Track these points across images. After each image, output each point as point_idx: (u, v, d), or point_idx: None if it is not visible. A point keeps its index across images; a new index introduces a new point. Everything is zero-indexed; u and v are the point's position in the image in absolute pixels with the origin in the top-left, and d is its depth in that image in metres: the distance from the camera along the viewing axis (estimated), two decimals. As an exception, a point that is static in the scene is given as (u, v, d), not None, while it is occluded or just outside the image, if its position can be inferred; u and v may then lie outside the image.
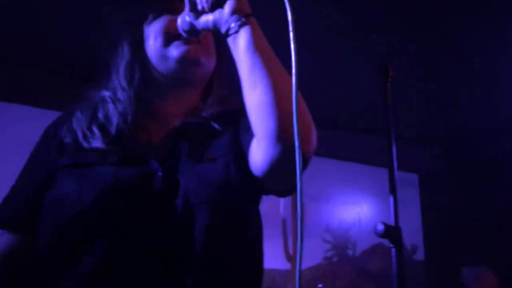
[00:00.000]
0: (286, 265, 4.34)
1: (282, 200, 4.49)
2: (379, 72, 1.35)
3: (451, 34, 3.26)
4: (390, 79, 1.34)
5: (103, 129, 1.10)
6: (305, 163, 0.97)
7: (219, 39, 1.15)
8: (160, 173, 1.03)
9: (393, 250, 1.18)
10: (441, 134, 4.72)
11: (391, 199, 1.26)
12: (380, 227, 1.17)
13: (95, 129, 1.09)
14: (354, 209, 4.78)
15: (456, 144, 4.79)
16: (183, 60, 1.10)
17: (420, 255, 4.84)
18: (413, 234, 4.86)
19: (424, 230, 4.84)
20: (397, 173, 4.83)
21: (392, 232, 1.18)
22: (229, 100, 1.19)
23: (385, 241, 4.38)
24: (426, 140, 4.83)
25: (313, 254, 4.48)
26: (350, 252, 4.63)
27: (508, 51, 3.34)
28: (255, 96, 0.96)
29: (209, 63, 1.16)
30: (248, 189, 1.08)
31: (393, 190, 1.24)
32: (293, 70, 0.83)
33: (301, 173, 0.86)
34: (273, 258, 4.29)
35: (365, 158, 4.85)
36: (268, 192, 1.13)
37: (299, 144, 0.83)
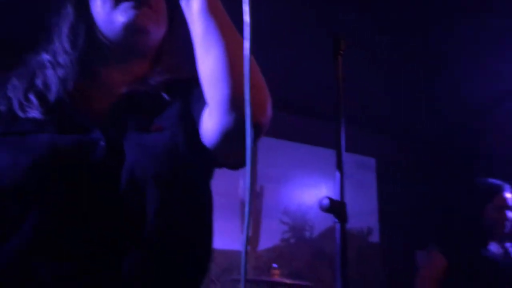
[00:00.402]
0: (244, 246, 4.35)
1: (241, 183, 4.47)
2: (334, 45, 1.31)
3: (417, 22, 3.28)
4: (341, 52, 1.31)
5: (41, 97, 1.00)
6: (259, 133, 0.92)
7: (171, 2, 1.07)
8: (103, 143, 0.95)
9: (337, 225, 1.17)
10: (399, 120, 4.81)
11: (337, 175, 1.24)
12: (325, 201, 1.16)
13: (32, 97, 0.99)
14: (313, 192, 4.82)
15: (413, 130, 4.89)
16: (129, 27, 1.02)
17: (375, 237, 4.95)
18: (369, 216, 4.96)
19: (379, 213, 4.96)
20: (355, 157, 4.88)
21: (336, 207, 1.17)
22: (181, 68, 1.12)
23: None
24: (384, 125, 4.91)
25: (271, 236, 4.50)
26: (307, 234, 4.67)
27: (470, 43, 3.40)
28: (209, 62, 0.91)
29: (159, 30, 1.09)
30: (198, 161, 1.01)
31: (340, 167, 1.23)
32: (246, 33, 0.74)
33: (254, 143, 0.82)
34: (232, 240, 4.28)
35: (326, 141, 4.88)
36: (220, 165, 1.07)
37: (252, 113, 0.77)
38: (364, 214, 4.94)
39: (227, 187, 4.38)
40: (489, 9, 3.02)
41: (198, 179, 1.06)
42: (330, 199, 1.22)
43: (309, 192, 4.73)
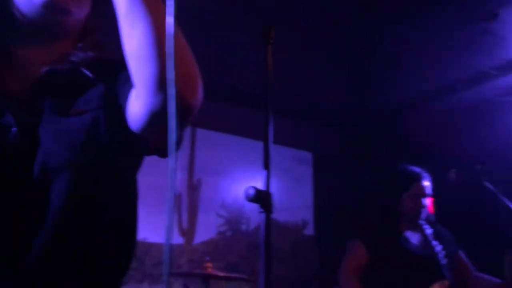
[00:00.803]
0: (178, 240, 4.28)
1: (179, 175, 4.40)
2: (263, 33, 1.29)
3: (350, 15, 3.33)
4: (271, 41, 1.29)
5: None
6: (189, 113, 0.88)
7: None
8: (14, 129, 0.89)
9: (262, 215, 1.17)
10: (336, 114, 4.90)
11: (265, 169, 1.23)
12: (251, 191, 1.15)
13: None
14: (250, 185, 4.82)
15: (350, 124, 5.00)
16: (49, 6, 0.94)
17: (310, 230, 5.03)
18: (305, 210, 5.03)
19: (315, 207, 5.04)
20: (293, 151, 4.90)
21: (262, 197, 1.16)
22: (106, 47, 1.05)
23: (277, 216, 4.44)
24: (322, 120, 5.00)
25: (207, 229, 4.46)
26: (243, 227, 4.67)
27: (408, 36, 3.48)
28: (134, 39, 0.85)
29: (82, 10, 1.01)
30: (122, 148, 0.97)
31: (266, 159, 1.22)
32: (170, 9, 0.71)
33: (183, 125, 0.77)
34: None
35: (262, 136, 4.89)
36: (148, 152, 1.02)
37: (180, 92, 0.73)
38: (300, 208, 5.01)
39: (160, 179, 4.29)
40: (424, 3, 3.11)
41: (122, 167, 1.01)
42: (256, 189, 1.21)
43: (245, 186, 4.73)
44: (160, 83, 0.83)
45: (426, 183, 2.69)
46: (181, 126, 0.89)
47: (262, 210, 1.19)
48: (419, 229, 2.70)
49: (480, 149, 3.91)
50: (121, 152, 0.98)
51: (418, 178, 2.66)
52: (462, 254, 2.74)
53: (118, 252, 0.99)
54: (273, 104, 1.29)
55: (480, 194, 2.86)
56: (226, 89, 4.39)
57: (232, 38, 3.56)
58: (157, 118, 0.87)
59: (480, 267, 3.11)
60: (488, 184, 2.60)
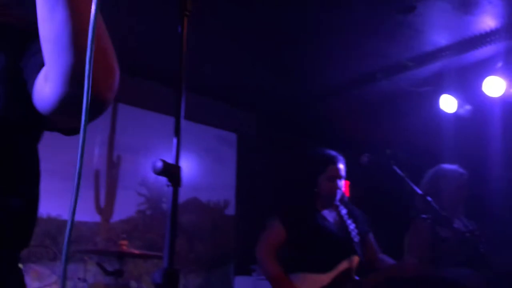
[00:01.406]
0: (96, 217, 4.16)
1: (96, 151, 4.25)
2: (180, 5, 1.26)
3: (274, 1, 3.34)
4: (188, 13, 1.27)
5: None
6: (102, 108, 0.85)
7: None
8: None
9: (170, 189, 1.16)
10: (261, 99, 4.95)
11: (175, 140, 1.22)
12: (159, 164, 1.13)
13: None
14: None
15: (273, 109, 5.07)
16: None
17: (231, 210, 5.07)
18: (226, 190, 5.07)
19: (237, 187, 5.09)
20: (217, 131, 4.86)
21: (171, 170, 1.15)
22: (12, 11, 0.97)
23: (199, 196, 4.43)
24: (246, 102, 5.02)
25: (126, 207, 4.36)
26: (164, 206, 4.62)
27: (331, 24, 3.55)
28: (53, 23, 0.80)
29: None
30: (21, 121, 0.92)
31: (177, 133, 1.21)
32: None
33: (91, 117, 0.74)
34: (82, 211, 4.06)
35: (187, 113, 4.83)
36: (51, 129, 0.98)
37: (97, 87, 0.72)
38: (222, 188, 5.03)
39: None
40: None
41: (19, 141, 0.96)
42: (164, 162, 1.19)
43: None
44: (76, 74, 0.80)
45: (341, 166, 2.80)
46: (91, 117, 0.86)
47: (169, 183, 1.18)
48: (335, 209, 2.81)
49: (394, 136, 4.12)
50: (19, 126, 0.93)
51: (334, 161, 2.77)
52: (371, 236, 2.88)
53: (13, 225, 0.94)
54: (186, 78, 1.27)
55: (390, 178, 3.03)
56: (150, 65, 4.29)
57: (151, 13, 3.45)
58: (67, 106, 0.83)
59: (386, 247, 3.31)
60: (396, 168, 2.74)
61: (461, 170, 3.11)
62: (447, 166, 3.14)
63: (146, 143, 4.55)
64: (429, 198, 2.67)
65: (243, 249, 4.82)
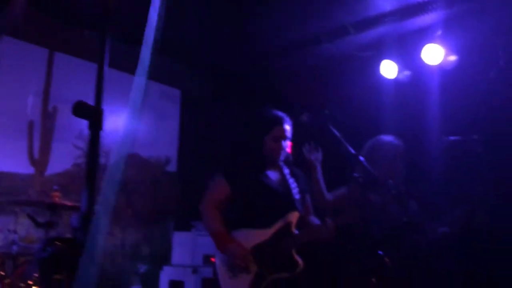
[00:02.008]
0: (29, 169, 4.01)
1: (30, 101, 4.07)
2: None
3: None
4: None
5: None
6: None
7: None
8: None
9: (90, 132, 1.11)
10: (208, 56, 4.85)
11: (97, 83, 1.17)
12: (78, 105, 1.07)
13: None
14: (111, 117, 4.63)
15: (220, 68, 5.00)
16: None
17: (173, 167, 5.04)
18: (168, 146, 5.01)
19: (179, 143, 5.04)
20: (160, 86, 4.75)
21: (91, 113, 1.10)
22: None
23: (140, 151, 4.36)
24: (194, 59, 4.92)
25: (62, 160, 4.23)
26: (102, 160, 4.50)
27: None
28: None
29: None
30: None
31: (100, 77, 1.16)
32: None
33: None
34: (15, 161, 3.91)
35: (125, 65, 4.67)
36: None
37: None
38: (163, 144, 4.97)
39: (13, 106, 3.94)
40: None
41: None
42: (84, 104, 1.13)
43: (108, 116, 4.54)
44: None
45: (287, 127, 2.80)
46: None
47: (90, 127, 1.12)
48: (278, 169, 2.83)
49: (335, 98, 4.17)
50: None
51: (280, 122, 2.76)
52: (308, 197, 2.94)
53: None
54: (111, 24, 1.21)
55: (328, 138, 3.08)
56: (86, 13, 4.08)
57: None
58: None
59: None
60: (332, 129, 2.78)
61: (397, 141, 3.18)
62: (384, 138, 3.20)
63: (85, 95, 4.37)
64: (361, 158, 2.73)
65: (183, 205, 4.83)
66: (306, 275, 2.68)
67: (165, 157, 5.00)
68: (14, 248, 2.96)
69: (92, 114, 1.13)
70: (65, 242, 0.96)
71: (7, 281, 2.61)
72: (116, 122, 4.63)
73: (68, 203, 2.84)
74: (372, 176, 2.57)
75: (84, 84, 4.38)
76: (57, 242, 0.88)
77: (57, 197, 2.77)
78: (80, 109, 1.10)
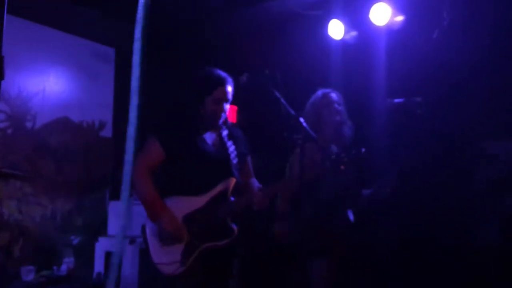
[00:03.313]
0: None
1: None
2: None
3: None
4: None
5: None
6: None
7: None
8: None
9: None
10: (145, 9, 4.51)
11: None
12: None
13: None
14: (39, 78, 4.24)
15: (156, 26, 4.67)
16: None
17: (108, 132, 4.72)
18: (103, 109, 4.67)
19: (114, 107, 4.71)
20: (93, 45, 4.38)
21: None
22: None
23: (71, 115, 4.05)
24: (127, 15, 4.56)
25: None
26: (29, 125, 4.14)
27: None
28: None
29: None
30: None
31: None
32: None
33: None
34: None
35: (59, 23, 4.28)
36: None
37: None
38: (97, 108, 4.63)
39: None
40: None
41: None
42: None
43: (33, 78, 4.14)
44: None
45: (229, 89, 2.67)
46: None
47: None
48: (216, 131, 2.70)
49: (280, 59, 4.01)
50: None
51: (222, 83, 2.61)
52: (249, 159, 2.83)
53: None
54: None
55: (268, 99, 2.93)
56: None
57: None
58: None
59: (266, 170, 3.27)
60: (272, 89, 2.63)
61: (334, 93, 3.13)
62: (318, 92, 3.15)
63: (7, 53, 3.96)
64: (301, 119, 2.60)
65: (119, 173, 4.55)
66: (241, 243, 2.60)
67: (100, 121, 4.66)
68: None
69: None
70: None
71: None
72: (41, 83, 4.23)
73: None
74: (311, 136, 2.45)
75: (8, 41, 3.96)
76: None
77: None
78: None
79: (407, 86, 3.64)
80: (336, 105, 3.09)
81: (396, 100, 3.48)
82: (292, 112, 2.44)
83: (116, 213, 4.14)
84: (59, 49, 4.33)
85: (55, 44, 4.29)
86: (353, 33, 4.05)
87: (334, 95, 3.13)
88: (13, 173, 3.29)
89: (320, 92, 3.15)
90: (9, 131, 4.00)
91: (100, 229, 4.29)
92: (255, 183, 2.78)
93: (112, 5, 4.34)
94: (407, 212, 3.60)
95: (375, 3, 3.85)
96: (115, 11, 4.44)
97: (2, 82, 4.07)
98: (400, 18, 3.89)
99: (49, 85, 4.28)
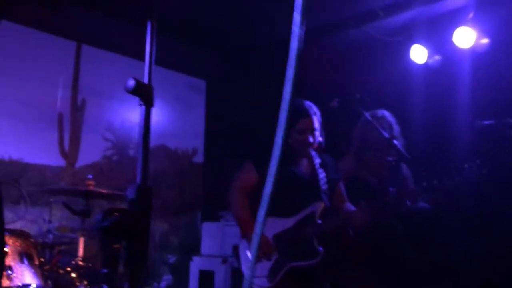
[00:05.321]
0: (60, 162, 4.05)
1: (59, 94, 4.10)
2: None
3: None
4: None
5: None
6: None
7: None
8: None
9: (142, 107, 1.12)
10: (230, 43, 4.84)
11: (147, 59, 1.17)
12: (131, 82, 1.09)
13: None
14: (138, 109, 4.66)
15: (243, 55, 4.97)
16: None
17: (199, 158, 5.04)
18: (195, 138, 5.02)
19: (206, 135, 5.05)
20: (186, 78, 4.75)
21: (143, 90, 1.11)
22: None
23: (168, 143, 4.38)
24: (216, 47, 4.91)
25: (92, 152, 4.27)
26: (131, 152, 4.54)
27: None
28: None
29: None
30: None
31: (150, 57, 1.16)
32: None
33: None
34: (45, 154, 3.95)
35: (158, 59, 4.67)
36: None
37: None
38: (190, 136, 4.98)
39: (43, 99, 3.98)
40: None
41: None
42: (136, 80, 1.14)
43: (135, 109, 4.56)
44: None
45: (314, 118, 2.75)
46: None
47: (142, 102, 1.13)
48: (308, 158, 2.81)
49: (364, 84, 4.12)
50: None
51: (305, 114, 2.70)
52: (341, 185, 2.90)
53: None
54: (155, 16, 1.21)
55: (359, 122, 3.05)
56: (114, 4, 4.10)
57: None
58: None
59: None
60: (364, 113, 2.75)
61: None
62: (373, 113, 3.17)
63: (112, 87, 4.42)
64: (395, 142, 2.69)
65: (211, 196, 4.83)
66: (327, 264, 2.67)
67: (192, 148, 5.01)
68: (50, 237, 2.99)
69: (144, 91, 1.13)
70: (122, 213, 0.96)
71: (46, 267, 2.65)
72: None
73: (103, 191, 2.86)
74: (406, 158, 2.54)
75: (111, 76, 4.42)
76: (115, 213, 0.88)
77: (91, 186, 2.78)
78: (133, 86, 1.10)
79: (495, 108, 3.60)
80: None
81: (486, 122, 3.44)
82: (385, 134, 2.52)
83: (210, 234, 4.39)
84: (157, 83, 4.73)
85: (154, 78, 4.70)
86: (437, 57, 4.09)
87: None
88: (118, 195, 3.59)
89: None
90: (115, 158, 4.42)
91: (194, 249, 4.55)
92: (350, 206, 2.85)
93: (201, 38, 4.68)
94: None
95: (457, 27, 3.88)
96: (204, 45, 4.79)
97: (109, 113, 4.49)
98: (485, 41, 3.88)
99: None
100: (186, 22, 4.38)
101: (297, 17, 0.68)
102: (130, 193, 1.07)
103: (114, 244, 0.97)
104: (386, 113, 3.17)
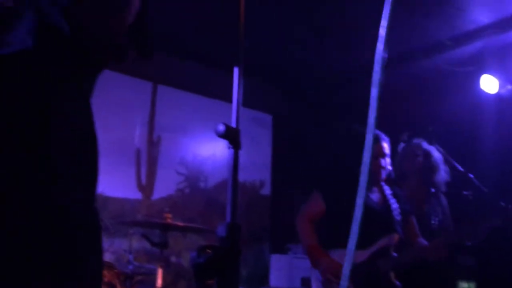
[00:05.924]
0: (137, 195, 4.28)
1: (137, 131, 4.37)
2: None
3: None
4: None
5: None
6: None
7: None
8: None
9: (231, 151, 1.23)
10: (296, 78, 4.96)
11: (234, 103, 1.29)
12: (221, 127, 1.21)
13: None
14: (209, 144, 4.85)
15: (309, 88, 5.08)
16: None
17: (267, 190, 5.14)
18: (262, 170, 5.13)
19: (272, 167, 5.15)
20: (252, 113, 4.91)
21: (231, 133, 1.22)
22: None
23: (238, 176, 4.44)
24: (282, 81, 5.04)
25: (166, 185, 4.48)
26: (202, 185, 4.72)
27: (366, 3, 3.54)
28: None
29: None
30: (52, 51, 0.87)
31: (239, 95, 1.27)
32: None
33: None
34: (123, 187, 4.19)
35: (225, 94, 4.88)
36: (93, 60, 0.96)
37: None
38: (257, 168, 5.10)
39: (122, 136, 4.26)
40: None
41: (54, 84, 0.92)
42: (226, 125, 1.26)
43: (205, 144, 4.76)
44: None
45: (385, 144, 2.79)
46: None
47: (230, 146, 1.24)
48: (379, 188, 2.82)
49: (434, 115, 4.08)
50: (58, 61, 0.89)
51: (376, 140, 2.76)
52: (413, 218, 2.88)
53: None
54: (242, 61, 1.33)
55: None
56: (190, 46, 4.36)
57: None
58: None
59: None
60: (437, 145, 2.74)
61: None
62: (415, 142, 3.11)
63: (185, 124, 4.65)
64: (470, 175, 2.65)
65: (278, 228, 4.89)
66: None
67: (260, 181, 5.11)
68: (130, 267, 3.16)
69: (232, 135, 1.25)
70: (215, 250, 1.05)
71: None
72: (212, 149, 4.80)
73: (180, 224, 3.01)
74: (482, 191, 2.50)
75: (185, 114, 4.66)
76: (208, 250, 0.96)
77: (169, 218, 2.94)
78: (223, 131, 1.22)
79: None
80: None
81: None
82: (460, 168, 2.50)
83: (278, 266, 4.44)
84: (225, 118, 4.93)
85: (221, 113, 4.91)
86: (509, 87, 4.00)
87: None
88: (190, 227, 3.71)
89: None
90: (187, 190, 4.61)
91: (262, 280, 4.60)
92: (423, 241, 2.81)
93: (267, 73, 4.84)
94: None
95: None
96: (270, 80, 4.94)
97: (181, 148, 4.68)
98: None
99: (218, 150, 4.88)
100: (252, 59, 4.55)
101: (380, 47, 0.76)
102: (221, 230, 1.16)
103: (207, 280, 1.06)
104: (423, 142, 3.12)
